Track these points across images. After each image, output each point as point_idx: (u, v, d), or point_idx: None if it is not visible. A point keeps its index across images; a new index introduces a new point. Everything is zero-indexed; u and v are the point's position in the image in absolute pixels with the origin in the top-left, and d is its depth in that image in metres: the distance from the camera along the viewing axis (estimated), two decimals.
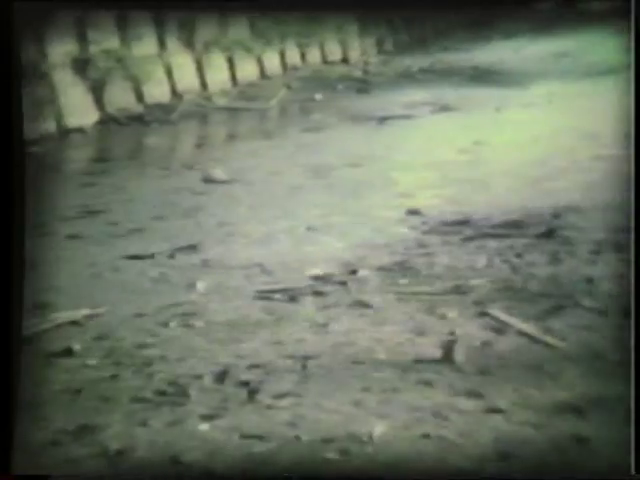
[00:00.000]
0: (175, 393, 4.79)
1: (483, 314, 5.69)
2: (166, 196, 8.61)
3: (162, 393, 4.80)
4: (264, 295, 6.13)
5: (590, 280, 6.15)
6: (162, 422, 4.51)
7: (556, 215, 7.55)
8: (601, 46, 15.29)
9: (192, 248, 7.11)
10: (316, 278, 6.39)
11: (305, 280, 6.36)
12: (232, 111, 12.04)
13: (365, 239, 7.25)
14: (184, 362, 5.14)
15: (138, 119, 11.47)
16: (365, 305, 5.89)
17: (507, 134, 10.57)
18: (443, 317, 5.68)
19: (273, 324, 5.65)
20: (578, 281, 6.14)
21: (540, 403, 4.55)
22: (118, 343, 5.45)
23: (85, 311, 5.91)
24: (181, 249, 7.10)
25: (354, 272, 6.49)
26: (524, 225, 7.40)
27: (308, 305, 5.94)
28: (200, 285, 6.35)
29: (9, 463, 4.54)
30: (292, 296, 6.06)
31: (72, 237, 7.49)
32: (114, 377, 5.01)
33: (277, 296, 6.09)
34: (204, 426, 4.47)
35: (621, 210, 7.56)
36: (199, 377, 4.94)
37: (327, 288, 6.20)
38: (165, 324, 5.70)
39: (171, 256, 6.99)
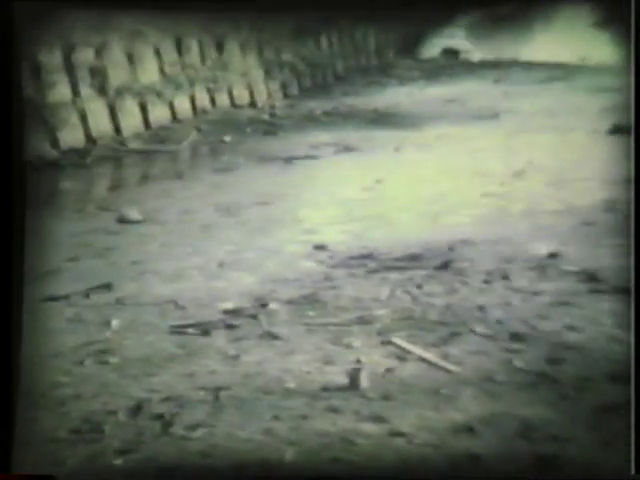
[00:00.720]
0: (90, 430, 4.69)
1: (386, 342, 5.74)
2: (81, 237, 8.47)
3: (77, 431, 4.69)
4: (177, 330, 6.07)
5: (482, 308, 6.28)
6: (77, 460, 4.41)
7: (451, 248, 7.69)
8: (483, 93, 15.79)
9: (106, 287, 7.00)
10: (228, 312, 6.37)
11: (217, 314, 6.33)
12: (145, 154, 11.95)
13: (274, 274, 7.25)
14: (98, 399, 5.04)
15: (53, 164, 11.28)
16: (275, 337, 5.88)
17: (406, 172, 10.72)
18: (349, 346, 5.71)
19: (186, 357, 5.60)
20: (471, 309, 6.26)
21: (438, 425, 4.60)
22: (34, 385, 5.31)
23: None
24: (95, 288, 6.98)
25: (264, 305, 6.49)
26: (423, 258, 7.50)
27: (220, 338, 5.91)
28: (115, 323, 6.24)
29: (9, 463, 4.36)
30: (205, 330, 6.02)
31: None
32: (30, 419, 4.88)
33: (190, 330, 6.04)
34: (119, 460, 4.39)
35: (508, 242, 7.79)
36: (113, 413, 4.85)
37: (238, 321, 6.18)
38: (80, 362, 5.59)
39: (86, 296, 6.86)
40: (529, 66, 18.82)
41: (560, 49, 20.66)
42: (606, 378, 5.11)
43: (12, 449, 4.52)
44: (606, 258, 7.21)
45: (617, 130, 12.12)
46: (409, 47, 21.72)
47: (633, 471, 4.47)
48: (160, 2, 13.82)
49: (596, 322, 5.92)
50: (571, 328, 5.83)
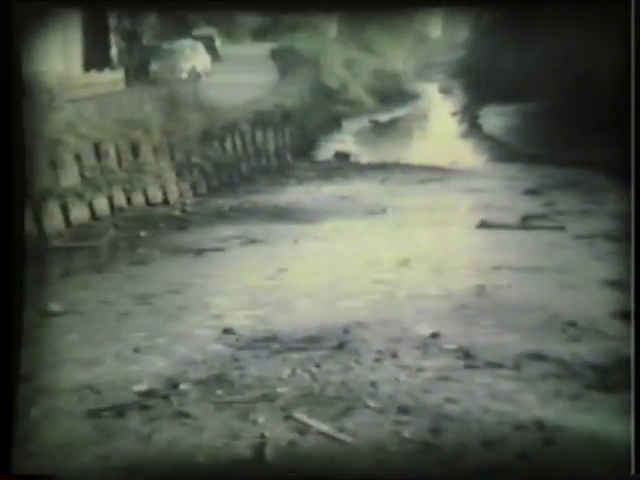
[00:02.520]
0: None
1: (289, 417, 5.70)
2: None
3: None
4: (94, 413, 5.89)
5: (374, 384, 6.32)
6: None
7: (346, 330, 7.74)
8: (371, 191, 16.18)
9: (26, 379, 6.71)
10: (142, 394, 6.22)
11: (132, 396, 6.17)
12: (67, 250, 11.72)
13: (185, 356, 7.15)
14: None
15: None
16: (186, 415, 5.77)
17: (305, 262, 10.78)
18: (254, 422, 5.65)
19: (103, 440, 5.43)
20: (364, 385, 6.29)
21: None
22: None
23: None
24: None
25: (176, 386, 6.37)
26: (321, 339, 7.53)
27: (134, 419, 5.76)
28: (34, 411, 6.00)
29: (9, 463, 4.03)
30: (120, 412, 5.86)
31: None
32: None
33: (106, 413, 5.86)
34: None
35: (396, 324, 7.90)
36: None
37: (152, 402, 6.04)
38: None
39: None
40: (409, 168, 19.42)
41: (434, 154, 21.40)
42: (481, 444, 5.20)
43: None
44: (479, 337, 7.39)
45: (484, 225, 12.55)
46: (305, 150, 22.16)
47: (633, 471, 4.41)
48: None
49: (471, 395, 6.04)
50: (450, 400, 5.93)
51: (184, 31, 28.25)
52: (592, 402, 5.92)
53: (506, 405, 5.82)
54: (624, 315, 7.78)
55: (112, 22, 23.92)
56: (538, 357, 6.78)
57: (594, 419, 5.61)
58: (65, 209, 12.93)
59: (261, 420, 5.66)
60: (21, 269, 5.24)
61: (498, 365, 6.60)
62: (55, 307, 8.73)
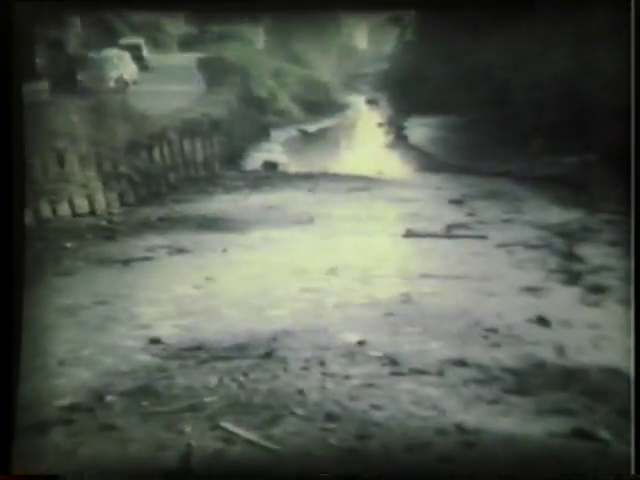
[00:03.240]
0: None
1: (216, 427, 5.67)
2: None
3: None
4: (15, 431, 5.71)
5: (301, 392, 6.33)
6: None
7: (274, 338, 7.73)
8: (299, 200, 16.23)
9: None
10: (65, 408, 6.08)
11: (55, 411, 6.03)
12: None
13: (111, 368, 7.03)
14: None
15: None
16: (111, 427, 5.68)
17: (233, 271, 10.73)
18: (181, 432, 5.59)
19: (23, 459, 5.29)
20: (292, 393, 6.30)
21: None
22: None
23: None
24: None
25: (101, 399, 6.26)
26: (249, 347, 7.51)
27: (57, 435, 5.63)
28: None
29: (9, 463, 3.84)
30: (42, 428, 5.71)
31: None
32: None
33: (27, 432, 5.69)
34: None
35: (324, 332, 7.93)
36: None
37: (75, 416, 5.91)
38: None
39: None
40: (337, 177, 19.56)
41: (362, 164, 21.59)
42: (405, 450, 5.26)
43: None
44: (404, 344, 7.47)
45: (410, 234, 12.72)
46: (233, 160, 22.08)
47: (633, 471, 4.44)
48: None
49: (396, 401, 6.10)
50: (376, 407, 5.98)
51: (111, 40, 27.88)
52: (510, 405, 6.05)
53: (429, 410, 5.90)
54: (540, 321, 8.01)
55: (37, 31, 23.45)
56: (461, 363, 6.90)
57: (512, 421, 5.75)
58: None
59: (188, 430, 5.61)
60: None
61: (422, 372, 6.70)
62: None
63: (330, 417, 5.79)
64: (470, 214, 14.37)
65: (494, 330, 7.79)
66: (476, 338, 7.58)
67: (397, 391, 6.29)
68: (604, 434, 5.47)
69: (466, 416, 5.79)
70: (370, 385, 6.44)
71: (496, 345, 7.41)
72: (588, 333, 7.62)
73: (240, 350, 7.45)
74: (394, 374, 6.70)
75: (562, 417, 5.80)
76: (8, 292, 5.05)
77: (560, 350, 7.16)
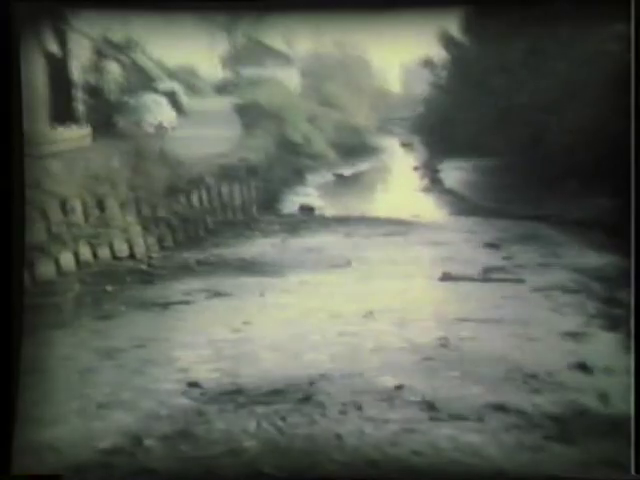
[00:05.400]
0: None
1: (255, 472, 5.66)
2: None
3: None
4: (55, 475, 5.76)
5: (339, 436, 6.29)
6: None
7: (311, 382, 7.71)
8: (336, 244, 16.26)
9: None
10: (105, 452, 6.11)
11: (95, 454, 6.06)
12: (31, 307, 11.52)
13: (150, 411, 7.05)
14: None
15: None
16: (151, 471, 5.69)
17: (270, 315, 10.74)
18: (221, 477, 5.59)
19: None
20: (330, 438, 6.27)
21: None
22: None
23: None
24: None
25: (140, 442, 6.28)
26: (287, 392, 7.49)
27: (96, 477, 5.65)
28: None
29: (9, 463, 3.83)
30: (82, 471, 5.74)
31: None
32: None
33: (67, 474, 5.73)
34: None
35: (361, 376, 7.89)
36: None
37: (116, 459, 5.94)
38: None
39: None
40: (373, 221, 19.58)
41: (397, 207, 21.61)
42: None
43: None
44: (443, 389, 7.41)
45: (447, 277, 12.66)
46: (270, 204, 22.24)
47: (633, 471, 4.34)
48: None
49: (436, 447, 6.04)
50: (416, 453, 5.92)
51: (148, 85, 28.44)
52: (552, 454, 5.96)
53: (470, 457, 5.83)
54: (582, 367, 7.91)
55: (77, 77, 24.01)
56: (501, 409, 6.82)
57: (554, 470, 5.65)
58: (31, 265, 12.80)
59: (229, 475, 5.59)
60: None
61: (462, 417, 6.63)
62: None
63: (370, 463, 5.74)
64: (506, 257, 14.28)
65: (534, 376, 7.70)
66: (516, 384, 7.50)
67: (437, 437, 6.23)
68: None
69: (507, 463, 5.70)
70: (409, 430, 6.39)
71: (537, 391, 7.32)
72: (631, 380, 7.49)
73: (278, 394, 7.44)
74: (433, 419, 6.64)
75: (608, 468, 5.69)
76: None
77: (603, 397, 7.05)
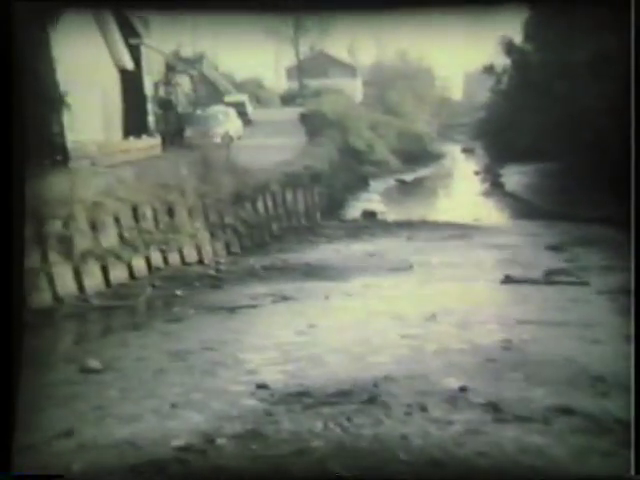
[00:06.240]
0: None
1: (324, 471, 5.66)
2: (46, 389, 8.15)
3: None
4: (134, 469, 5.87)
5: (405, 437, 6.26)
6: None
7: (376, 384, 7.68)
8: (398, 248, 16.21)
9: (68, 434, 6.74)
10: (180, 449, 6.20)
11: (170, 452, 6.16)
12: (106, 309, 11.81)
13: (220, 411, 7.13)
14: None
15: (23, 324, 10.90)
16: (224, 469, 5.75)
17: (335, 318, 10.76)
18: (291, 476, 5.61)
19: None
20: (396, 438, 6.24)
21: None
22: None
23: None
24: (58, 436, 6.67)
25: (212, 441, 6.36)
26: (352, 393, 7.47)
27: (174, 474, 5.74)
28: (75, 466, 6.01)
29: (10, 463, 3.92)
30: (160, 467, 5.85)
31: None
32: None
33: (145, 469, 5.85)
34: None
35: (425, 378, 7.83)
36: None
37: (190, 456, 6.02)
38: None
39: (48, 444, 6.56)
40: (434, 225, 19.48)
41: (458, 212, 21.46)
42: None
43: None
44: (507, 390, 7.30)
45: (509, 280, 12.50)
46: (334, 209, 22.34)
47: (633, 471, 4.26)
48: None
49: (501, 448, 5.95)
50: (481, 454, 5.85)
51: (217, 98, 28.85)
52: (623, 458, 5.79)
53: (537, 459, 5.73)
54: None
55: (149, 90, 24.52)
56: (567, 411, 6.68)
57: (623, 473, 5.51)
58: (105, 269, 13.10)
59: (297, 474, 5.62)
60: None
61: (527, 419, 6.52)
62: (94, 364, 8.77)
63: (435, 463, 5.70)
64: (569, 260, 14.03)
65: (601, 379, 7.53)
66: (582, 386, 7.34)
67: (502, 438, 6.14)
68: None
69: (575, 466, 5.59)
70: (474, 431, 6.32)
71: (604, 394, 7.15)
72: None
73: (343, 396, 7.42)
74: (498, 421, 6.55)
75: None
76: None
77: None
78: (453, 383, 7.58)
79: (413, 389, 7.47)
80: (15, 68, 5.07)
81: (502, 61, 25.13)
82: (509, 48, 24.03)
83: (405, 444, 6.11)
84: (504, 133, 28.30)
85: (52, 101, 16.79)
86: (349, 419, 6.77)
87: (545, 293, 11.63)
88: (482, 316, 10.41)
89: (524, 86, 24.17)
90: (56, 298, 11.96)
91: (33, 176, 13.38)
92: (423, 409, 6.90)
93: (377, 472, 5.60)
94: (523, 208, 21.47)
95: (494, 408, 6.82)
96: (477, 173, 29.49)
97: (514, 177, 25.22)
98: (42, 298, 11.73)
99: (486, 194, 25.43)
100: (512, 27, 22.99)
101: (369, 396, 7.33)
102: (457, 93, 39.13)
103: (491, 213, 21.84)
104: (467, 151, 33.78)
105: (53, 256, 12.19)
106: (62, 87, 16.81)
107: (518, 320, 9.97)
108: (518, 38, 23.88)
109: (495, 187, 25.98)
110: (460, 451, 5.92)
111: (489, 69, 25.91)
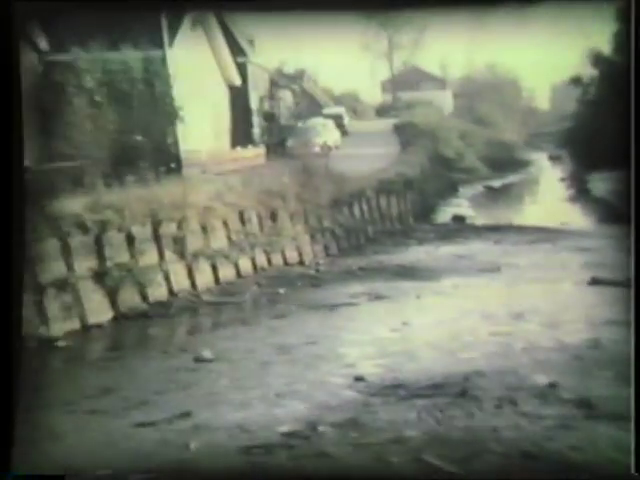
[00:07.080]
0: None
1: (419, 459, 5.64)
2: (165, 374, 8.45)
3: None
4: (245, 450, 6.00)
5: (495, 429, 6.16)
6: None
7: (467, 378, 7.58)
8: (486, 251, 15.93)
9: (186, 415, 6.95)
10: (286, 434, 6.29)
11: (277, 436, 6.25)
12: (216, 305, 12.10)
13: (321, 401, 7.18)
14: None
15: (143, 315, 11.37)
16: (327, 455, 5.80)
17: (426, 316, 10.69)
18: (389, 463, 5.61)
19: (253, 474, 5.52)
20: (488, 430, 6.14)
21: None
22: None
23: (101, 471, 5.71)
24: (177, 416, 6.91)
25: (315, 428, 6.42)
26: (444, 387, 7.40)
27: (281, 457, 5.83)
28: (193, 445, 6.19)
29: (9, 463, 3.99)
30: (268, 450, 5.95)
31: (91, 412, 7.30)
32: None
33: (255, 451, 5.96)
34: None
35: (514, 374, 7.68)
36: None
37: (295, 442, 6.10)
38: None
39: (169, 422, 6.82)
40: (521, 229, 19.08)
41: (545, 216, 20.92)
42: None
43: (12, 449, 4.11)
44: (596, 388, 7.08)
45: (596, 282, 12.10)
46: (425, 214, 22.19)
47: (633, 471, 4.12)
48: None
49: (593, 444, 5.77)
50: (573, 448, 5.68)
51: (316, 110, 29.08)
52: None
53: (629, 456, 5.52)
54: None
55: (254, 104, 24.96)
56: None
57: None
58: (214, 268, 13.42)
59: (394, 461, 5.61)
60: None
61: (618, 416, 6.29)
62: (207, 354, 8.99)
63: (527, 456, 5.57)
64: None
65: None
66: None
67: (593, 434, 5.95)
68: None
69: None
70: (565, 426, 6.15)
71: None
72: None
73: (436, 389, 7.36)
74: (589, 417, 6.35)
75: None
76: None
77: None
78: (542, 379, 7.40)
79: (503, 384, 7.33)
80: (15, 68, 4.82)
81: (589, 72, 24.34)
82: (597, 59, 23.24)
83: (496, 436, 6.01)
84: (591, 141, 27.41)
85: (168, 114, 17.37)
86: (442, 411, 6.70)
87: (632, 296, 11.18)
88: (569, 316, 10.13)
89: (611, 96, 23.32)
90: (171, 292, 12.34)
91: (151, 181, 13.88)
92: (513, 403, 6.77)
93: (470, 462, 5.52)
94: (609, 213, 20.72)
95: (585, 404, 6.62)
96: (563, 180, 28.67)
97: (600, 183, 24.37)
98: (159, 292, 12.13)
99: (572, 200, 24.69)
100: (601, 39, 22.25)
101: (460, 390, 7.24)
102: (544, 103, 38.17)
103: (576, 217, 21.20)
104: (554, 159, 32.87)
105: (168, 255, 12.59)
106: (177, 102, 17.37)
107: (605, 321, 9.65)
108: (607, 49, 23.08)
109: (581, 193, 25.21)
110: (552, 445, 5.77)
111: (576, 80, 25.12)
